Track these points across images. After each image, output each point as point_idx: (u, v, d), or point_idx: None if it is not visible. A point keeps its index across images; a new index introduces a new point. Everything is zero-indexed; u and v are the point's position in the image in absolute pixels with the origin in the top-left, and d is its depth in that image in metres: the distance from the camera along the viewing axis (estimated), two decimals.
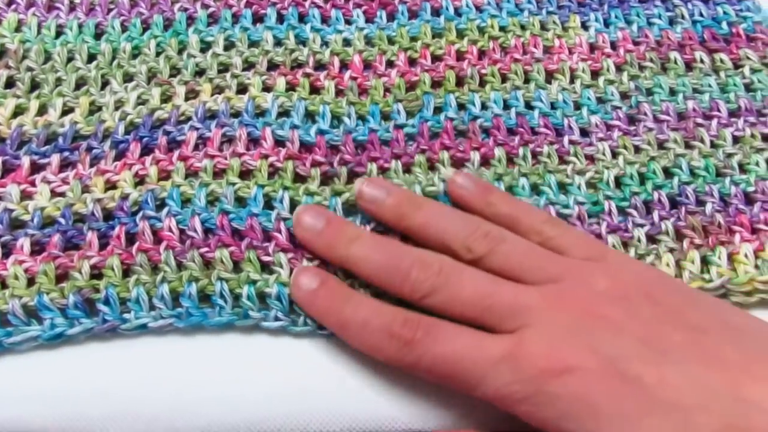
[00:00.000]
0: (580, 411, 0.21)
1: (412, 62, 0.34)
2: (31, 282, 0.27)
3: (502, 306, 0.24)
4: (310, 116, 0.32)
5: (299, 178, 0.30)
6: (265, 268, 0.28)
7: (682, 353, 0.22)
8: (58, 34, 0.34)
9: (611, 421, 0.21)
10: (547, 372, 0.22)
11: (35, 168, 0.30)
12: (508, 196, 0.29)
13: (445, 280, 0.25)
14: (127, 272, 0.27)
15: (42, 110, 0.31)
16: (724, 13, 0.36)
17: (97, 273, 0.27)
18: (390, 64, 0.34)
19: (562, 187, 0.31)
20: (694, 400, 0.21)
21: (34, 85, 0.32)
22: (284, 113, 0.32)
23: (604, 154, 0.32)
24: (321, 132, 0.31)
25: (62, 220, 0.28)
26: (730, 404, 0.20)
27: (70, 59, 0.33)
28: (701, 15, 0.36)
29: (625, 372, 0.21)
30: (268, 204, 0.29)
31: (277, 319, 0.27)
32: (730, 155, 0.32)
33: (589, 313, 0.23)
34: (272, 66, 0.34)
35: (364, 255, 0.26)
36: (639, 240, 0.29)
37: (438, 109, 0.33)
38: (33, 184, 0.29)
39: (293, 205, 0.29)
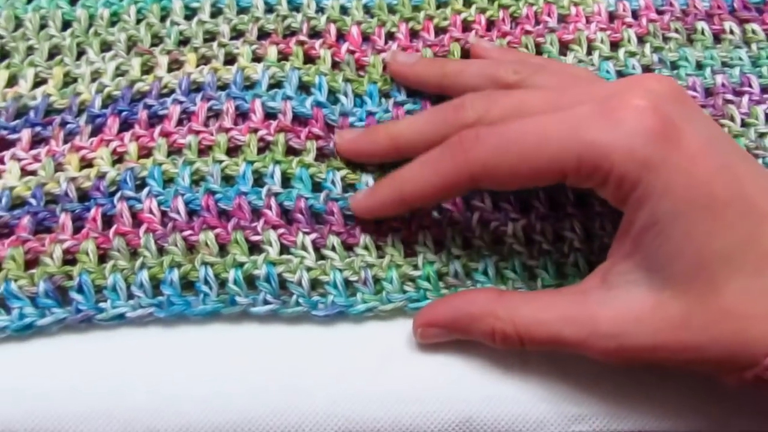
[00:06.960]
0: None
1: (414, 34, 0.32)
2: None
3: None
4: (304, 88, 0.29)
5: (292, 152, 0.28)
6: (254, 249, 0.26)
7: None
8: None
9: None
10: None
11: (4, 144, 0.27)
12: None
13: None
14: (103, 258, 0.25)
15: (12, 81, 0.29)
16: None
17: (70, 258, 0.25)
18: (390, 36, 0.31)
19: None
20: None
21: (4, 54, 0.30)
22: (276, 84, 0.29)
23: None
24: (318, 104, 0.29)
25: (33, 201, 0.26)
26: None
27: (42, 26, 0.30)
28: None
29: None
30: (258, 181, 0.27)
31: (266, 302, 0.25)
32: (762, 135, 0.29)
33: None
34: (263, 34, 0.31)
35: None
36: None
37: None
38: (1, 161, 0.27)
39: (285, 179, 0.27)
